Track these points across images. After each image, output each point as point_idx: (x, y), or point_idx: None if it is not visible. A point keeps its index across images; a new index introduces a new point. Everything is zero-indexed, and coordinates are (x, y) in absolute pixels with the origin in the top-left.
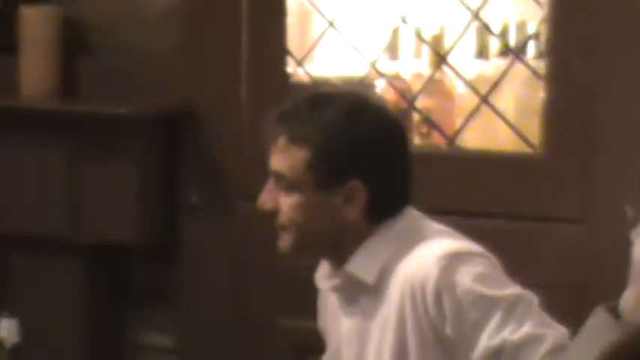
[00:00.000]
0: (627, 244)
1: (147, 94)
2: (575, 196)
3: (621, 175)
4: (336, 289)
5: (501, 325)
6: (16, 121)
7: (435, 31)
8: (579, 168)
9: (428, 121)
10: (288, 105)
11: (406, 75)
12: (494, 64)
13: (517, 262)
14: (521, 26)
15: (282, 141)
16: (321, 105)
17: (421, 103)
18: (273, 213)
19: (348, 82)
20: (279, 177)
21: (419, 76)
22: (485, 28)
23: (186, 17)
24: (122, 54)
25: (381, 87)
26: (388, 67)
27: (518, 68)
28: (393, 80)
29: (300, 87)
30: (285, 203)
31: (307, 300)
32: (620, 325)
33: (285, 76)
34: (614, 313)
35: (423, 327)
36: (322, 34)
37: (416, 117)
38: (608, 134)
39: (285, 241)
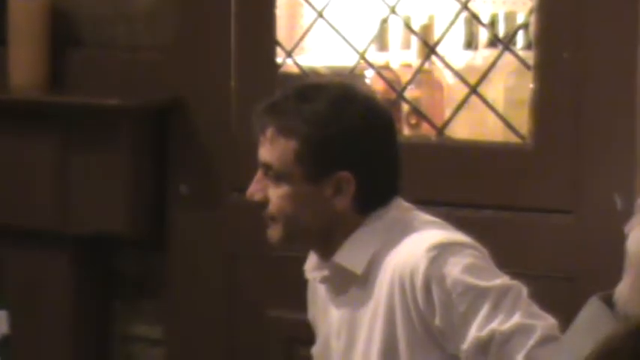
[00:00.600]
0: (616, 235)
1: (136, 86)
2: (563, 187)
3: (610, 166)
4: (325, 280)
5: (491, 316)
6: (5, 112)
7: (424, 22)
8: (568, 159)
9: (417, 111)
10: (277, 96)
11: (395, 65)
12: (483, 55)
13: (506, 253)
14: (510, 17)
15: (270, 132)
16: (310, 96)
17: (410, 93)
18: (263, 204)
19: (338, 72)
20: (267, 168)
21: (408, 66)
22: (474, 19)
23: (175, 10)
24: (111, 47)
25: (370, 77)
26: (377, 57)
27: (508, 59)
28: (382, 71)
29: (289, 78)
30: (274, 194)
31: (297, 291)
32: (615, 315)
33: (275, 66)
34: (609, 303)
35: (412, 318)
36: (311, 24)
37: (405, 107)
38: (598, 125)
39: (274, 232)
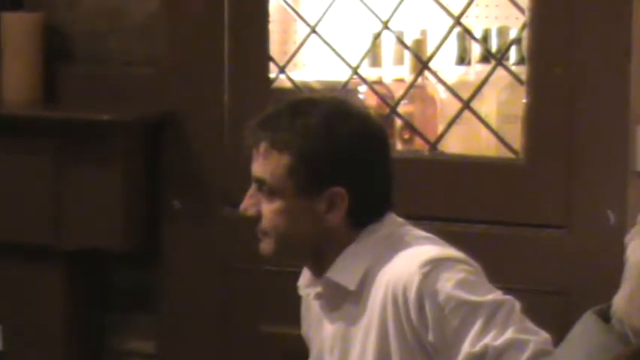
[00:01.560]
0: (609, 250)
1: (129, 101)
2: (556, 202)
3: (602, 181)
4: (319, 296)
5: (483, 332)
6: None
7: (417, 37)
8: (561, 173)
9: (410, 126)
10: (270, 111)
11: (388, 80)
12: (476, 70)
13: (499, 268)
14: (502, 32)
15: (263, 147)
16: (303, 111)
17: (403, 108)
18: (256, 219)
19: (331, 87)
20: (260, 183)
21: (401, 81)
22: (467, 34)
23: (168, 24)
24: (104, 62)
25: (363, 92)
26: (370, 72)
27: (500, 74)
28: (375, 86)
29: (282, 93)
30: (266, 209)
31: (291, 306)
32: (611, 329)
33: (268, 81)
34: (604, 317)
35: (406, 333)
36: (304, 39)
37: (398, 122)
38: (590, 140)
39: (266, 247)
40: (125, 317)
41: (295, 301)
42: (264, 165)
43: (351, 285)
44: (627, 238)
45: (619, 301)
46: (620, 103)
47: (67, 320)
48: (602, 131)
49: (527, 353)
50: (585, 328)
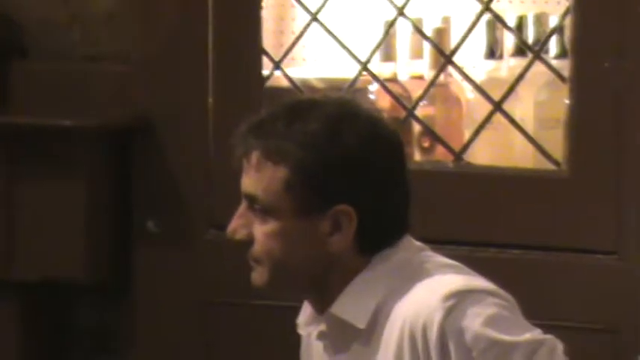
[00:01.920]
0: None
1: (94, 104)
2: (605, 223)
3: None
4: (322, 335)
5: None
6: None
7: (438, 25)
8: (610, 189)
9: (430, 132)
10: (264, 114)
11: (404, 78)
12: (509, 65)
13: (537, 301)
14: (540, 19)
15: (256, 158)
16: (303, 114)
17: (422, 111)
18: (246, 243)
19: (336, 86)
20: (252, 200)
21: (419, 78)
22: (499, 22)
23: (141, 11)
24: (64, 57)
25: (374, 92)
26: (383, 68)
27: (538, 69)
28: (389, 84)
29: (278, 93)
30: (259, 231)
31: (286, 347)
32: None
33: (261, 79)
34: None
35: None
36: (304, 29)
37: (416, 128)
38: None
39: (259, 277)
40: None
41: (293, 341)
42: (256, 179)
43: (361, 322)
44: None
45: None
46: None
47: None
48: None
49: None
50: None
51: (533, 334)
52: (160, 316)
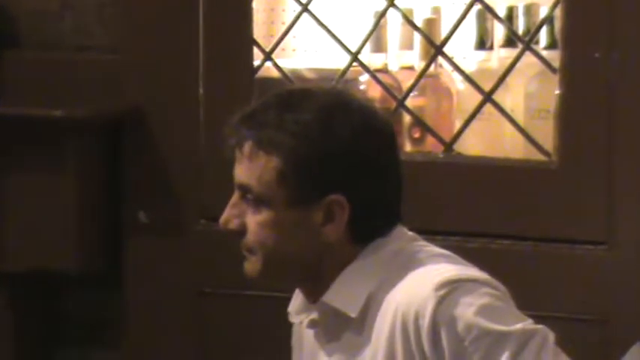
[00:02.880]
0: None
1: (85, 94)
2: (595, 213)
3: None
4: (314, 324)
5: None
6: None
7: (429, 16)
8: (600, 179)
9: (421, 123)
10: (256, 105)
11: (394, 68)
12: (500, 56)
13: (528, 292)
14: (531, 10)
15: (248, 148)
16: (295, 105)
17: (413, 101)
18: (239, 233)
19: (327, 77)
20: (245, 190)
21: (410, 69)
22: (489, 12)
23: (131, 4)
24: (54, 47)
25: (365, 83)
26: (373, 59)
27: (528, 60)
28: (379, 75)
29: (268, 83)
30: (252, 221)
31: (280, 337)
32: None
33: (251, 70)
34: None
35: None
36: (294, 20)
37: (407, 118)
38: (635, 139)
39: (252, 267)
40: (82, 351)
41: (285, 330)
42: (249, 169)
43: (353, 311)
44: None
45: None
46: None
47: (15, 355)
48: None
49: None
50: None
51: (525, 324)
52: (152, 307)
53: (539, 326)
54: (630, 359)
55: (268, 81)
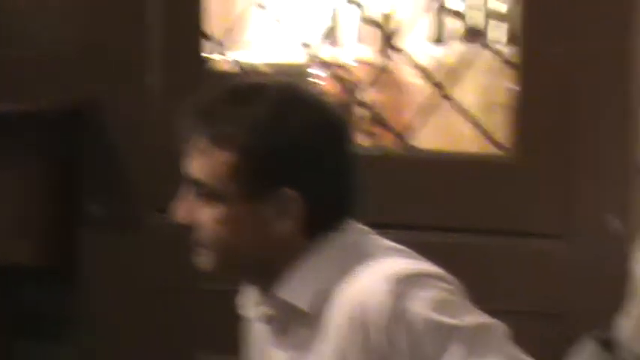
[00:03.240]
0: (612, 263)
1: (35, 86)
2: (550, 207)
3: (606, 181)
4: (266, 318)
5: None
6: None
7: (385, 11)
8: (557, 173)
9: (376, 117)
10: (208, 98)
11: (350, 63)
12: (455, 50)
13: (483, 285)
14: (487, 5)
15: (201, 142)
16: (249, 99)
17: (368, 96)
18: (191, 227)
19: (280, 70)
20: (198, 185)
21: (365, 63)
22: (445, 7)
23: None
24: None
25: (320, 77)
26: (328, 53)
27: (484, 55)
28: (335, 69)
29: (221, 76)
30: (204, 216)
31: (233, 331)
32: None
33: (203, 63)
34: (606, 345)
35: None
36: (247, 12)
37: (362, 113)
38: (591, 133)
39: (205, 261)
40: (37, 346)
41: (238, 324)
42: (202, 164)
43: (305, 305)
44: (636, 249)
45: (627, 327)
46: (624, 89)
47: None
48: (606, 122)
49: None
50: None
51: (479, 318)
52: (107, 301)
53: (493, 320)
54: (581, 356)
55: (221, 74)
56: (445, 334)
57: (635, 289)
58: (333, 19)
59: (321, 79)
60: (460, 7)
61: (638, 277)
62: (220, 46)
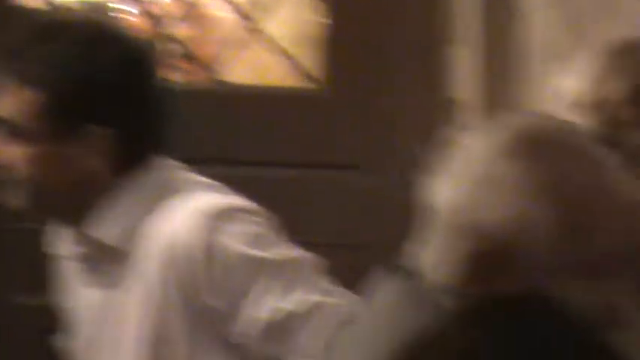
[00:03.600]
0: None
1: None
2: (351, 138)
3: (413, 113)
4: (76, 256)
5: (275, 294)
6: None
7: None
8: (364, 105)
9: (186, 52)
10: (13, 36)
11: None
12: None
13: (294, 218)
14: None
15: (8, 81)
16: (53, 36)
17: (177, 31)
18: (1, 166)
19: (86, 7)
20: (6, 124)
21: None
22: None
23: None
24: None
25: (130, 13)
26: None
27: None
28: (144, 4)
29: (22, 12)
30: (13, 154)
31: (48, 272)
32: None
33: None
34: (405, 274)
35: (184, 297)
36: None
37: (172, 48)
38: (399, 65)
39: (15, 200)
40: None
41: (48, 264)
42: (9, 102)
43: (113, 241)
44: (431, 179)
45: (429, 258)
46: (431, 21)
47: None
48: (414, 55)
49: (325, 320)
50: (391, 295)
51: (290, 252)
52: None
53: (304, 254)
54: (385, 290)
55: (28, 10)
56: (256, 267)
57: (431, 219)
58: None
59: (131, 15)
60: None
61: (435, 207)
62: None
